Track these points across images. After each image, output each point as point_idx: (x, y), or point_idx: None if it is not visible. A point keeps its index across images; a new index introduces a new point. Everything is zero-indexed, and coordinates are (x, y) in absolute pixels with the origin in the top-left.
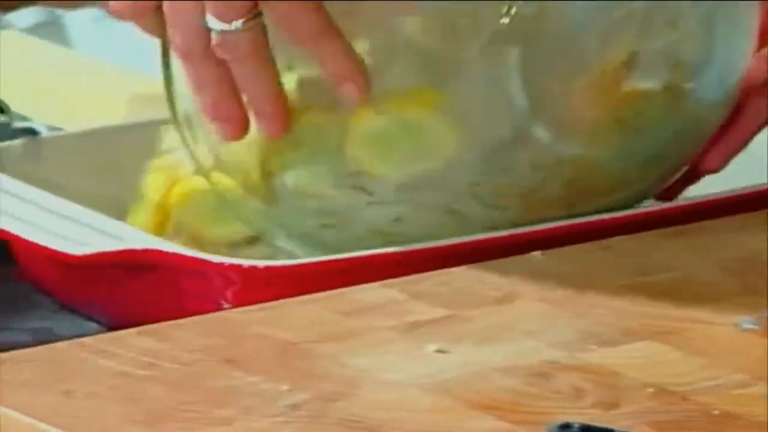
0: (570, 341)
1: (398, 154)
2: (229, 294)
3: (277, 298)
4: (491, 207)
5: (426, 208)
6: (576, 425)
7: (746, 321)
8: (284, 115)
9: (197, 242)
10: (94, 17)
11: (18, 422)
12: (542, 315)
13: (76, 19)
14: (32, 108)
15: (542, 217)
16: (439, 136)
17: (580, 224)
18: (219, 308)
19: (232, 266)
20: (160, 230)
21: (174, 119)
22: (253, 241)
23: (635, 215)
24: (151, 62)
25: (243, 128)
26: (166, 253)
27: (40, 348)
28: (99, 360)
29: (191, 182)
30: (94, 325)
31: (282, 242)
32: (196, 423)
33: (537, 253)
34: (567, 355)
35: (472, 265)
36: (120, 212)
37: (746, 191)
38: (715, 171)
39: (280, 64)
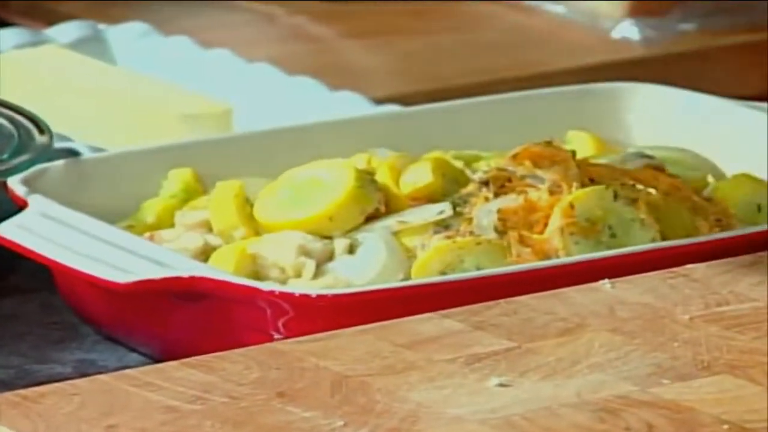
0: (642, 375)
1: None
2: (280, 324)
3: (331, 328)
4: None
5: None
6: None
7: None
8: None
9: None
10: (138, 32)
11: None
12: (612, 347)
13: (119, 33)
14: (73, 127)
15: None
16: None
17: (651, 251)
18: (270, 339)
19: (283, 294)
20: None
21: None
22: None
23: (712, 242)
24: (194, 78)
25: None
26: (214, 281)
27: (82, 380)
28: (144, 393)
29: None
30: (138, 357)
31: None
32: None
33: (606, 282)
34: (639, 389)
35: (537, 294)
36: None
37: None
38: None
39: None
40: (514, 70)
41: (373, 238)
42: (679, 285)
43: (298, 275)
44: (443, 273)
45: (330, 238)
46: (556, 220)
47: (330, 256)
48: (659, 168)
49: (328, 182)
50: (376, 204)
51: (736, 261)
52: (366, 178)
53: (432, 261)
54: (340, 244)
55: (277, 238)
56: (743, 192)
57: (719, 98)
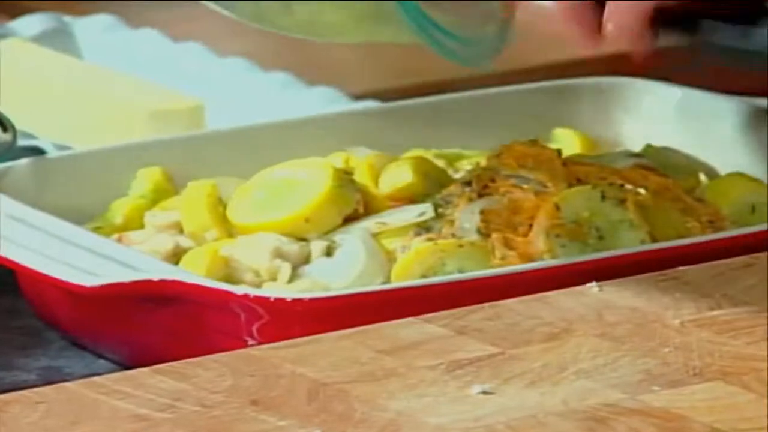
0: (631, 382)
1: None
2: (255, 329)
3: (307, 334)
4: None
5: None
6: None
7: None
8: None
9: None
10: (105, 25)
11: None
12: (600, 353)
13: (86, 26)
14: (38, 124)
15: None
16: None
17: (641, 253)
18: (244, 345)
19: (258, 298)
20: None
21: None
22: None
23: (704, 243)
24: (164, 73)
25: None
26: (185, 284)
27: (48, 388)
28: (113, 401)
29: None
30: (106, 364)
31: None
32: None
33: (593, 285)
34: (628, 397)
35: (522, 297)
36: None
37: None
38: None
39: None
40: (497, 64)
41: (352, 240)
42: (670, 288)
43: (274, 279)
44: (424, 276)
45: (306, 240)
46: (541, 222)
47: (306, 259)
48: (649, 167)
49: (305, 182)
50: (355, 205)
51: (730, 263)
52: (344, 178)
53: (413, 264)
54: (317, 246)
55: (251, 240)
56: (737, 191)
57: (712, 93)
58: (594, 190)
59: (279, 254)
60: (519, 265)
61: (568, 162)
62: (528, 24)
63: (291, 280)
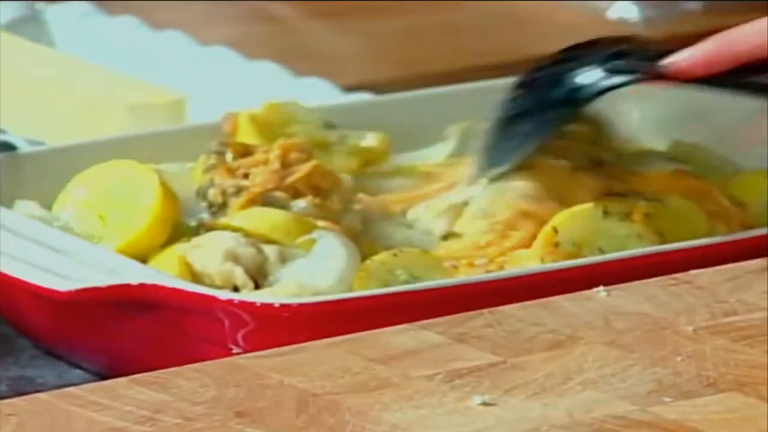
0: (641, 393)
1: None
2: (240, 337)
3: (296, 341)
4: None
5: None
6: None
7: None
8: None
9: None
10: (80, 12)
11: None
12: (608, 362)
13: (59, 13)
14: (8, 118)
15: None
16: None
17: (651, 255)
18: (228, 354)
19: (243, 304)
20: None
21: None
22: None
23: (719, 245)
24: (143, 64)
25: None
26: (167, 289)
27: (19, 399)
28: (89, 413)
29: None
30: (81, 374)
31: None
32: None
33: (600, 289)
34: (638, 409)
35: (524, 303)
36: None
37: None
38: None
39: None
40: (497, 54)
41: (328, 238)
42: (682, 293)
43: (227, 284)
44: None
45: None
46: (537, 247)
47: (263, 263)
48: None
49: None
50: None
51: (745, 266)
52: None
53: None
54: (270, 250)
55: (206, 239)
56: (761, 189)
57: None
58: (595, 209)
59: (233, 257)
60: (521, 269)
61: (576, 171)
62: (531, 13)
63: (269, 283)
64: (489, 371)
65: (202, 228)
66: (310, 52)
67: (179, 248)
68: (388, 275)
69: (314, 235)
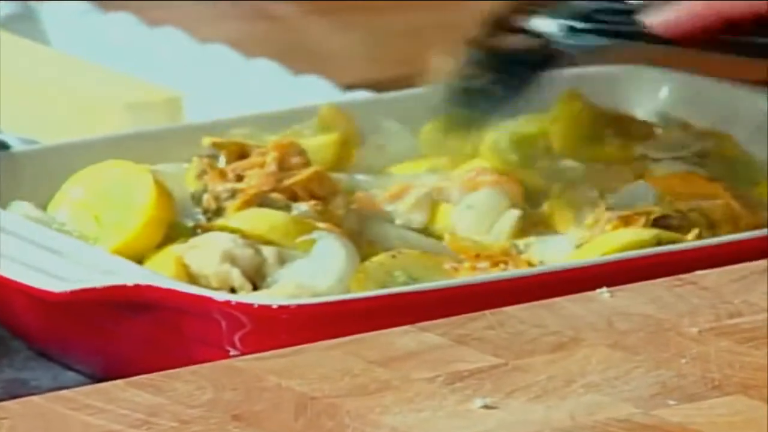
0: (645, 396)
1: None
2: (237, 338)
3: (294, 343)
4: None
5: None
6: None
7: None
8: None
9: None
10: (76, 9)
11: None
12: (611, 364)
13: (54, 10)
14: (2, 117)
15: None
16: None
17: (655, 255)
18: (225, 356)
19: (240, 305)
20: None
21: None
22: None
23: (724, 245)
24: (140, 62)
25: None
26: (163, 290)
27: (12, 402)
28: (83, 417)
29: None
30: (76, 376)
31: None
32: None
33: (604, 290)
34: (641, 412)
35: (526, 304)
36: None
37: None
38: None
39: None
40: None
41: (328, 239)
42: (687, 294)
43: (224, 285)
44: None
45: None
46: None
47: (261, 265)
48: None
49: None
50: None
51: (751, 267)
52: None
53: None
54: (269, 252)
55: (203, 240)
56: None
57: (727, 84)
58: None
59: (230, 258)
60: (523, 269)
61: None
62: None
63: (267, 284)
64: (490, 373)
65: (199, 228)
66: (310, 51)
67: (176, 249)
68: (387, 277)
69: (314, 235)
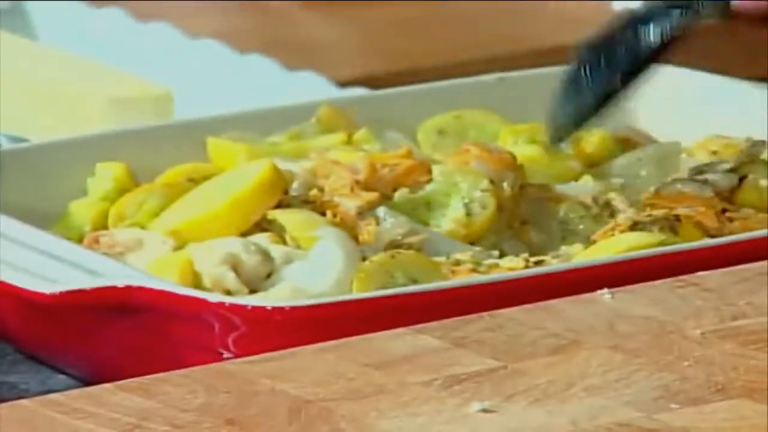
0: (647, 399)
1: None
2: (230, 341)
3: (288, 346)
4: None
5: None
6: None
7: None
8: None
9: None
10: (63, 3)
11: None
12: (612, 367)
13: (42, 4)
14: None
15: None
16: None
17: (657, 256)
18: (218, 359)
19: (233, 307)
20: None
21: None
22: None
23: (728, 246)
24: (129, 57)
25: None
26: (154, 291)
27: (0, 406)
28: (73, 421)
29: None
30: (65, 379)
31: None
32: None
33: (605, 292)
34: (643, 416)
35: (525, 306)
36: None
37: None
38: None
39: None
40: (497, 46)
41: (327, 241)
42: (690, 295)
43: (219, 287)
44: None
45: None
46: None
47: (270, 268)
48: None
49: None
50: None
51: (755, 268)
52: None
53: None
54: (277, 251)
55: (210, 243)
56: None
57: (738, 79)
58: None
59: (231, 262)
60: (522, 271)
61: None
62: (532, 3)
63: (270, 285)
64: (489, 377)
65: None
66: (303, 45)
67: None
68: (387, 277)
69: (318, 232)
